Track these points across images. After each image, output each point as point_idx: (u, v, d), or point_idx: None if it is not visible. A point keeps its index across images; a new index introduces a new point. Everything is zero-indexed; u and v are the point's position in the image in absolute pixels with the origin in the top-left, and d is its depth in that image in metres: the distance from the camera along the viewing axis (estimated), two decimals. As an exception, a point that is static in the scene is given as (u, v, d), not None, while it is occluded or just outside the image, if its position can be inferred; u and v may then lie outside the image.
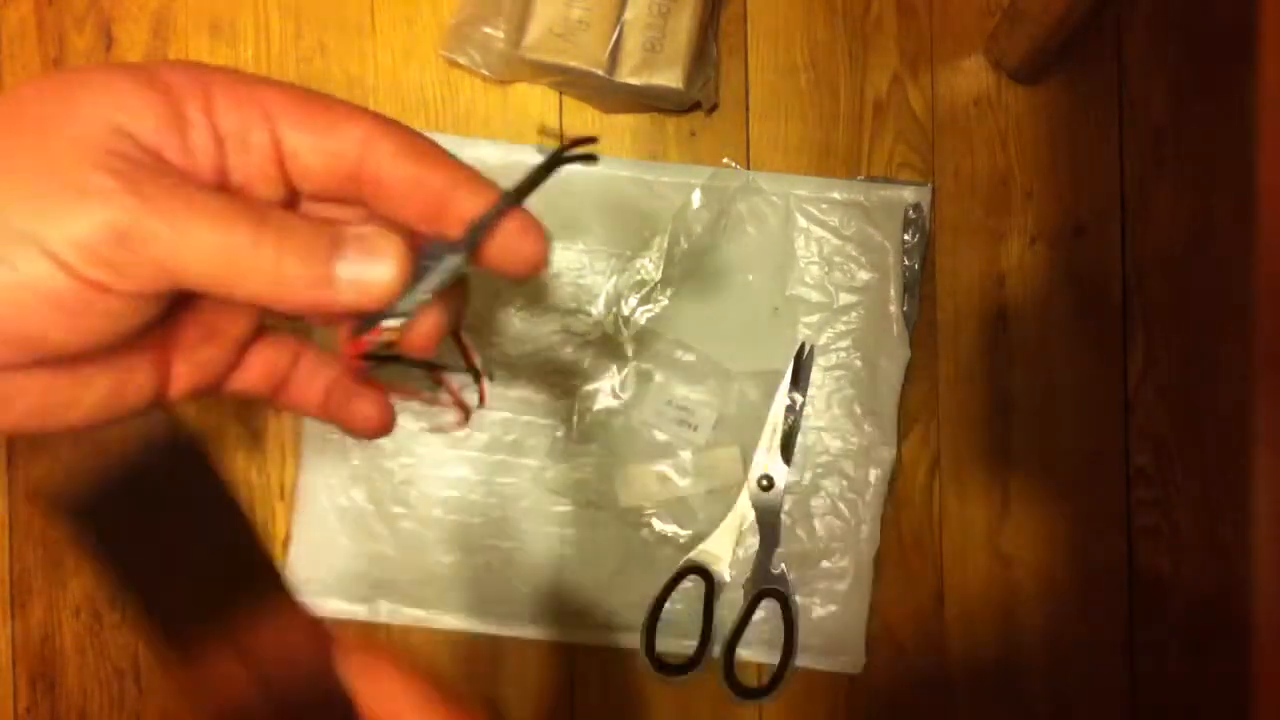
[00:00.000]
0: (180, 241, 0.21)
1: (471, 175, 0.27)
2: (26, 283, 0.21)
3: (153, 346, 0.26)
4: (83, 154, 0.21)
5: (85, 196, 0.21)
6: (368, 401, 0.28)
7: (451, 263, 0.25)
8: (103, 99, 0.22)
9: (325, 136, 0.24)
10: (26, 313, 0.21)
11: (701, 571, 0.60)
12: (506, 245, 0.26)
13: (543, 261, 0.27)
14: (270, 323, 0.28)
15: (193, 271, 0.22)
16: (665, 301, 0.61)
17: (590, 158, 0.26)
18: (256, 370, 0.28)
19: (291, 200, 0.25)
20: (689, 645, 0.60)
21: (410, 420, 0.61)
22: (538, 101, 0.63)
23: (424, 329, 0.26)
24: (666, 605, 0.60)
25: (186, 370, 0.27)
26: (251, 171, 0.24)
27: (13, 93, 0.23)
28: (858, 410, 0.61)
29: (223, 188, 0.24)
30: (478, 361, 0.28)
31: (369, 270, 0.24)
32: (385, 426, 0.28)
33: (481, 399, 0.29)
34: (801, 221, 0.62)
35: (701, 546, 0.60)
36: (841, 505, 0.61)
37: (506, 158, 0.61)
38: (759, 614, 0.60)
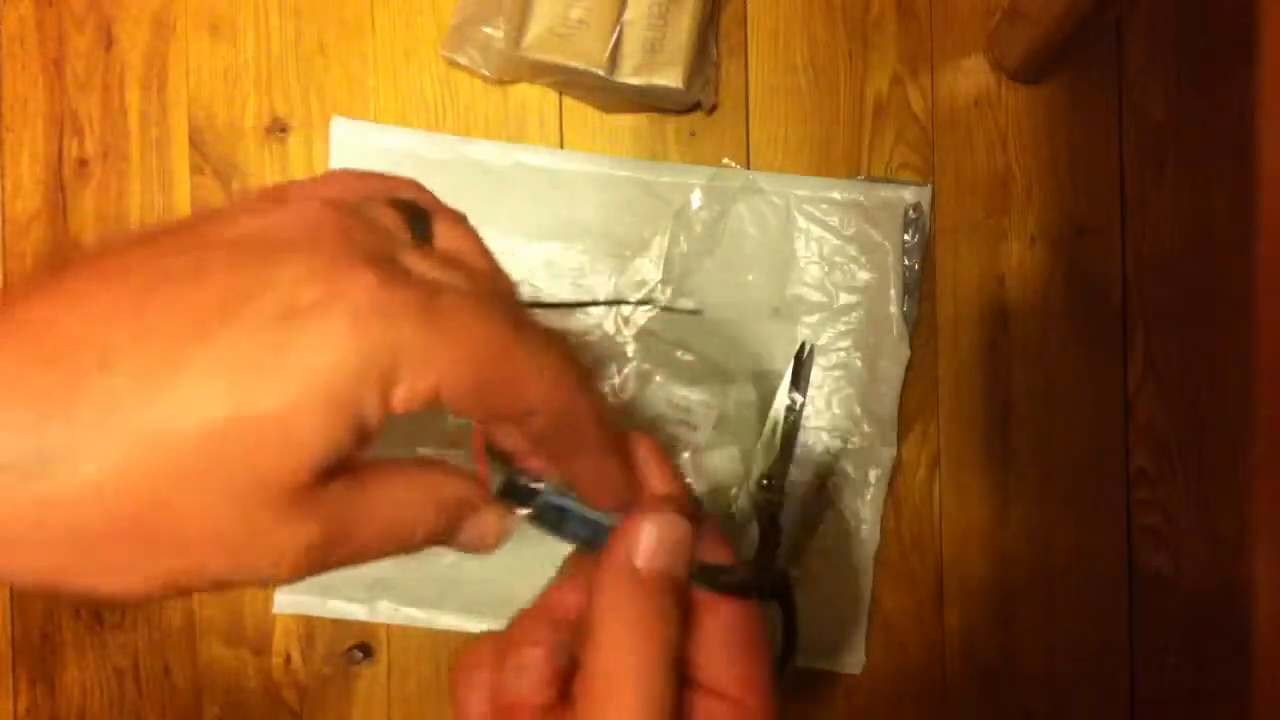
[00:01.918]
0: (359, 537, 0.22)
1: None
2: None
3: None
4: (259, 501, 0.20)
5: (278, 538, 0.20)
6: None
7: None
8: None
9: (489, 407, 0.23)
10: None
11: (701, 571, 0.60)
12: None
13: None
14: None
15: (370, 554, 0.23)
16: (665, 301, 0.61)
17: None
18: None
19: None
20: (689, 645, 0.60)
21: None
22: (538, 101, 0.63)
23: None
24: (666, 605, 0.60)
25: None
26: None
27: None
28: (858, 410, 0.61)
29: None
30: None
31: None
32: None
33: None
34: (801, 221, 0.62)
35: (701, 546, 0.60)
36: (841, 505, 0.61)
37: (507, 158, 0.61)
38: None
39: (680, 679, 0.24)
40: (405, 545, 0.24)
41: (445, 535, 0.25)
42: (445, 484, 0.24)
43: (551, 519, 0.28)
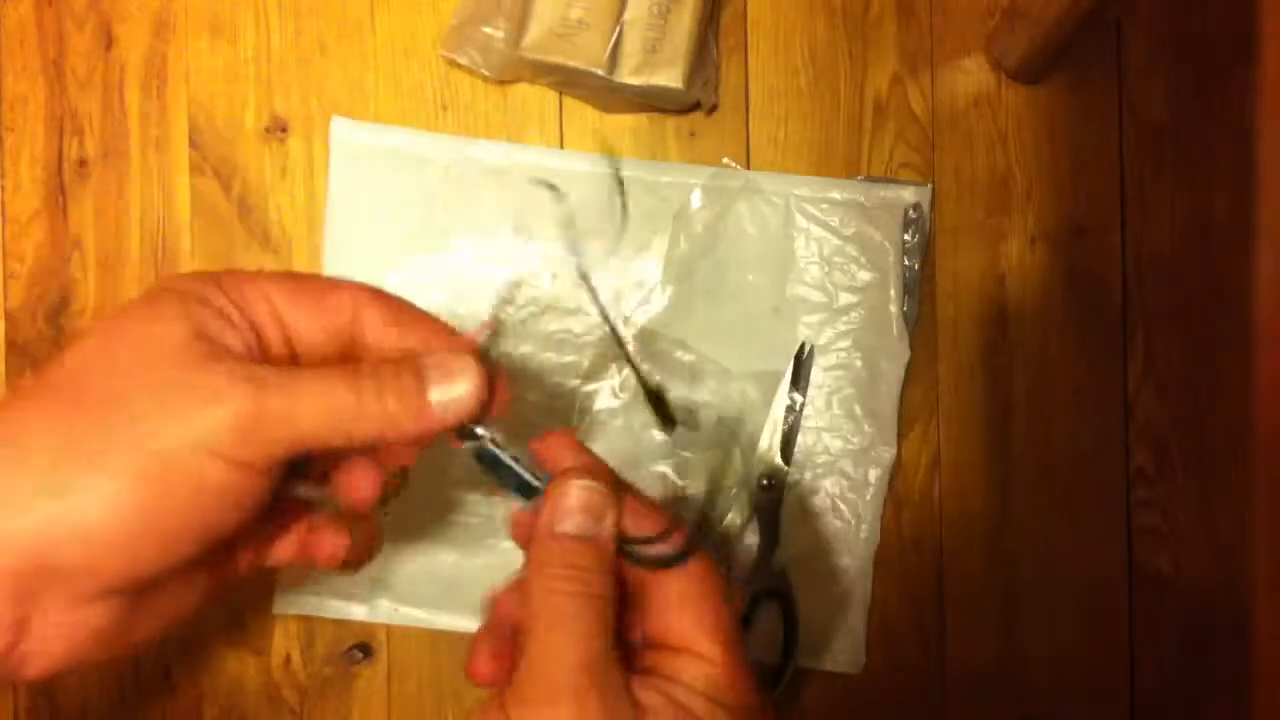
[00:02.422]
0: (297, 413, 0.26)
1: (447, 333, 0.31)
2: (191, 473, 0.25)
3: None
4: (187, 364, 0.25)
5: (217, 397, 0.25)
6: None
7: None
8: (167, 320, 0.26)
9: (320, 313, 0.29)
10: (196, 502, 0.25)
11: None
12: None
13: (506, 408, 0.32)
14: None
15: (311, 435, 0.26)
16: (665, 301, 0.61)
17: None
18: (290, 543, 0.33)
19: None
20: (689, 645, 0.60)
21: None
22: (538, 101, 0.63)
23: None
24: (666, 605, 0.60)
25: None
26: (272, 350, 0.28)
27: (71, 349, 0.26)
28: (858, 410, 0.61)
29: (264, 347, 0.28)
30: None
31: (454, 390, 0.28)
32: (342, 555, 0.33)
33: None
34: (801, 221, 0.62)
35: (701, 546, 0.60)
36: (841, 505, 0.61)
37: (507, 158, 0.61)
38: (759, 614, 0.60)
39: (612, 631, 0.27)
40: (342, 435, 0.27)
41: (378, 440, 0.28)
42: (390, 396, 0.27)
43: (489, 462, 0.32)
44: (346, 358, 0.30)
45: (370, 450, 0.31)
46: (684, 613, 0.29)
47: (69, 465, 0.24)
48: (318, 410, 0.26)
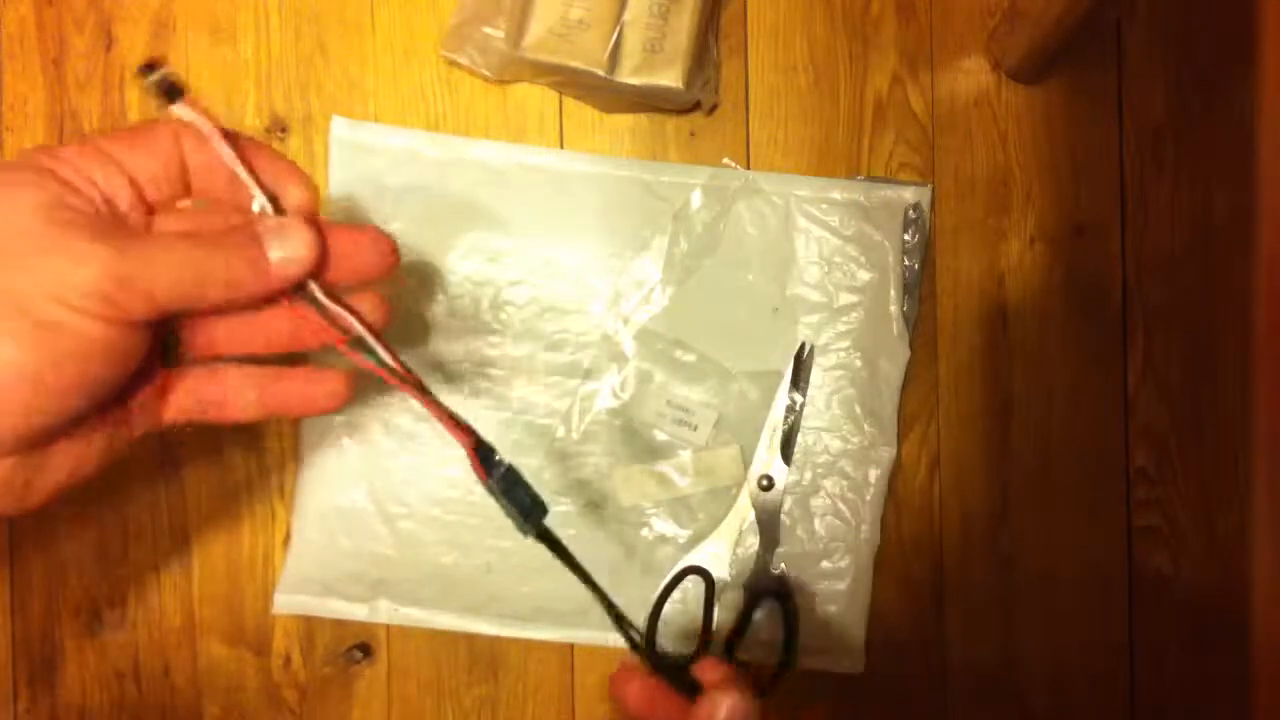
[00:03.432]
0: (154, 272, 0.28)
1: (268, 150, 0.34)
2: (70, 331, 0.27)
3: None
4: (50, 231, 0.27)
5: (83, 258, 0.27)
6: (319, 382, 0.37)
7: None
8: (17, 191, 0.28)
9: (151, 149, 0.31)
10: (77, 358, 0.27)
11: (701, 571, 0.60)
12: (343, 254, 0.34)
13: (386, 263, 0.35)
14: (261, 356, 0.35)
15: (169, 293, 0.28)
16: (665, 301, 0.61)
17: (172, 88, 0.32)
18: (182, 401, 0.35)
19: (149, 214, 0.32)
20: (689, 645, 0.60)
21: (410, 420, 0.61)
22: (538, 101, 0.63)
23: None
24: (666, 605, 0.60)
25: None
26: (124, 202, 0.30)
27: None
28: (858, 410, 0.61)
29: (118, 219, 0.31)
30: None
31: (290, 246, 0.31)
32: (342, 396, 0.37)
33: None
34: (801, 221, 0.62)
35: (701, 546, 0.60)
36: (841, 505, 0.61)
37: (507, 158, 0.61)
38: (759, 614, 0.60)
39: None
40: (196, 296, 0.29)
41: (225, 300, 0.30)
42: (234, 257, 0.30)
43: (506, 485, 0.38)
44: (189, 192, 0.33)
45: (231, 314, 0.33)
46: None
47: None
48: (171, 269, 0.28)
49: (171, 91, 0.31)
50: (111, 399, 0.30)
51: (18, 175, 0.28)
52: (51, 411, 0.27)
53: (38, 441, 0.28)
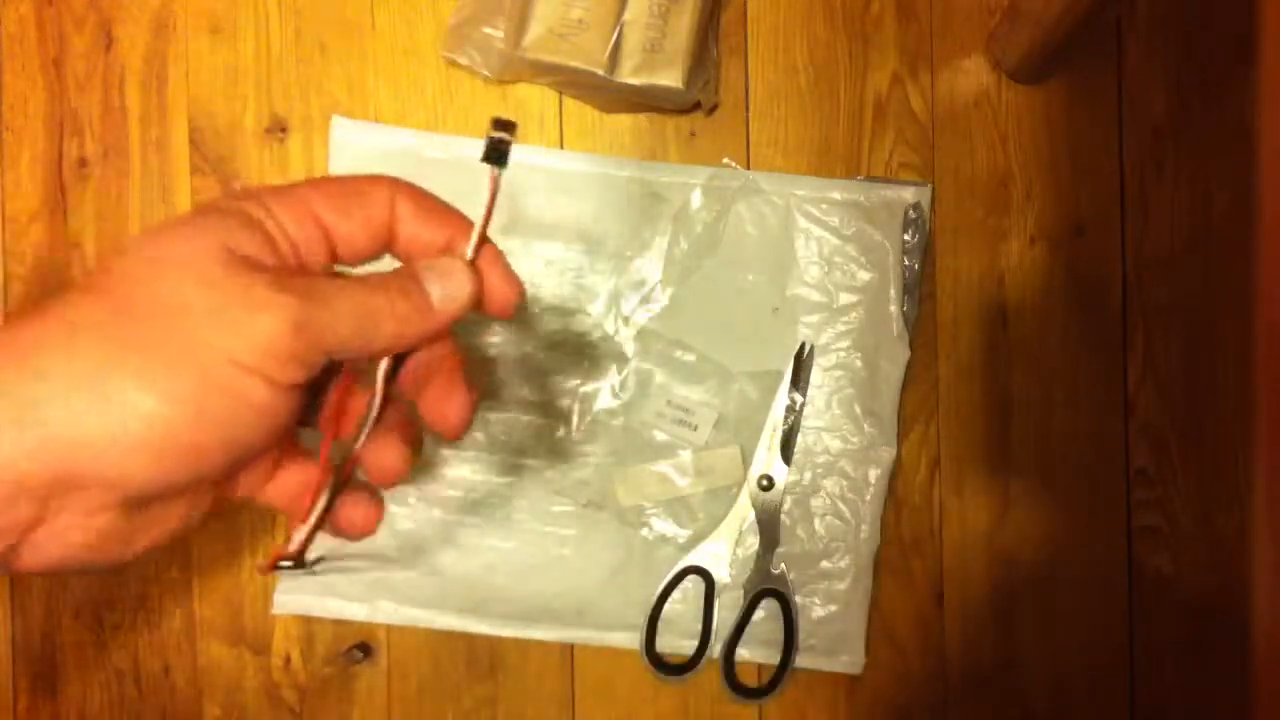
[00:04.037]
0: (334, 320, 0.27)
1: (465, 223, 0.33)
2: (232, 393, 0.25)
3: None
4: (232, 277, 0.26)
5: (266, 306, 0.26)
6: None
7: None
8: (210, 234, 0.27)
9: (361, 212, 0.30)
10: (232, 422, 0.26)
11: (701, 571, 0.60)
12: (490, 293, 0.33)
13: (515, 303, 0.34)
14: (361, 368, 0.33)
15: (345, 341, 0.27)
16: (665, 301, 0.61)
17: (501, 154, 0.34)
18: (284, 484, 0.33)
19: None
20: (689, 645, 0.60)
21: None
22: (538, 101, 0.63)
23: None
24: (666, 605, 0.60)
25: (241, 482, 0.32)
26: (313, 257, 0.29)
27: (117, 259, 0.27)
28: (858, 410, 0.61)
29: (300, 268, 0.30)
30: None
31: (452, 285, 0.30)
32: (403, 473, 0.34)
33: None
34: (801, 221, 0.62)
35: (701, 546, 0.60)
36: (841, 505, 0.61)
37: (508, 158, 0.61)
38: (759, 614, 0.60)
39: None
40: (365, 340, 0.28)
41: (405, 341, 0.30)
42: (399, 299, 0.29)
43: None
44: (378, 254, 0.32)
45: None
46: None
47: (115, 375, 0.24)
48: (348, 314, 0.27)
49: (500, 160, 0.32)
50: (245, 465, 0.29)
51: (204, 219, 0.27)
52: (186, 471, 0.25)
53: (157, 498, 0.26)
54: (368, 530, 0.32)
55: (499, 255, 0.33)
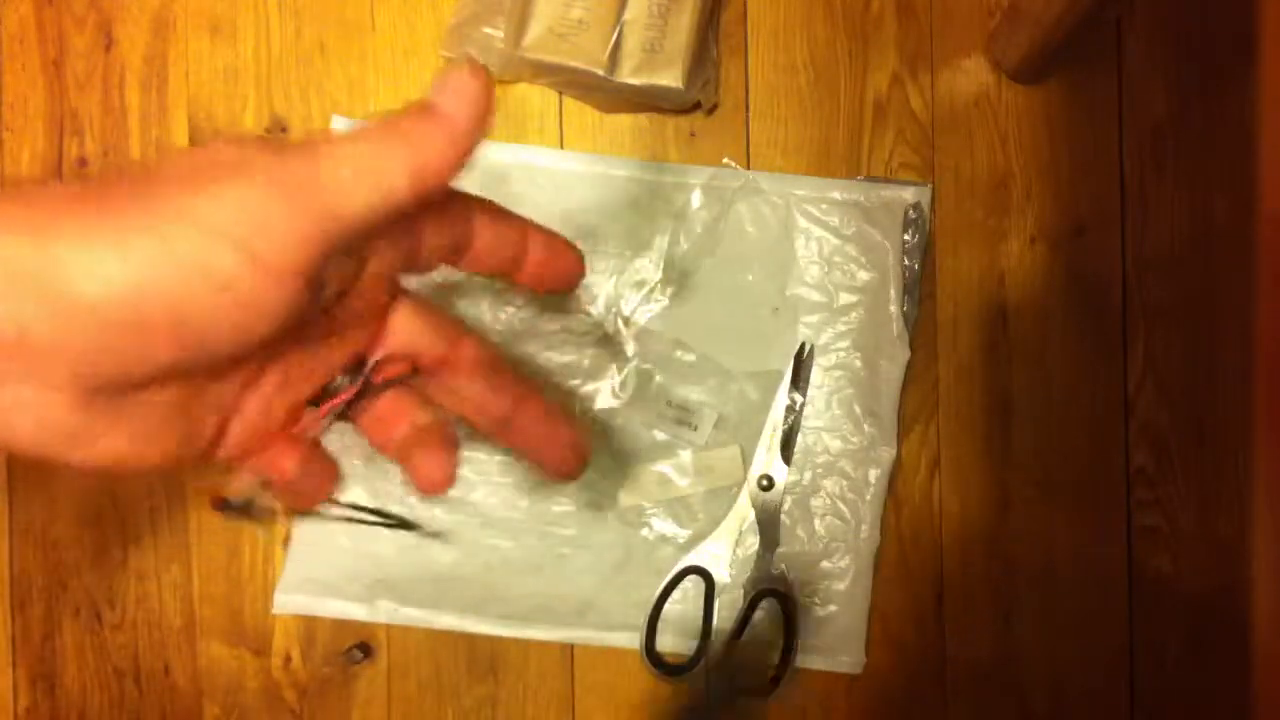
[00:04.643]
0: (339, 173, 0.23)
1: (536, 227, 0.32)
2: (213, 266, 0.21)
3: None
4: (215, 163, 0.22)
5: (247, 166, 0.22)
6: (436, 458, 0.30)
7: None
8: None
9: (450, 227, 0.29)
10: (190, 297, 0.21)
11: (701, 572, 0.60)
12: (544, 264, 0.31)
13: (578, 274, 0.32)
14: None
15: (354, 202, 0.23)
16: (665, 301, 0.61)
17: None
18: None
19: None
20: (689, 645, 0.60)
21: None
22: (538, 101, 0.63)
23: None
24: (666, 605, 0.60)
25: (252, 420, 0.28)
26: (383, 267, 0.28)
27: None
28: (858, 410, 0.61)
29: None
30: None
31: (460, 85, 0.26)
32: (445, 484, 0.30)
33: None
34: (801, 221, 0.62)
35: (701, 546, 0.60)
36: (841, 505, 0.61)
37: (507, 158, 0.61)
38: (759, 614, 0.60)
39: None
40: (382, 193, 0.24)
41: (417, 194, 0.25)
42: (413, 123, 0.26)
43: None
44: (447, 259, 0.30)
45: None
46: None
47: (66, 230, 0.21)
48: (354, 161, 0.23)
49: None
50: (206, 367, 0.24)
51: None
52: (131, 351, 0.22)
53: (110, 389, 0.22)
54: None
55: (554, 234, 0.31)
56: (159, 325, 0.21)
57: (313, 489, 0.30)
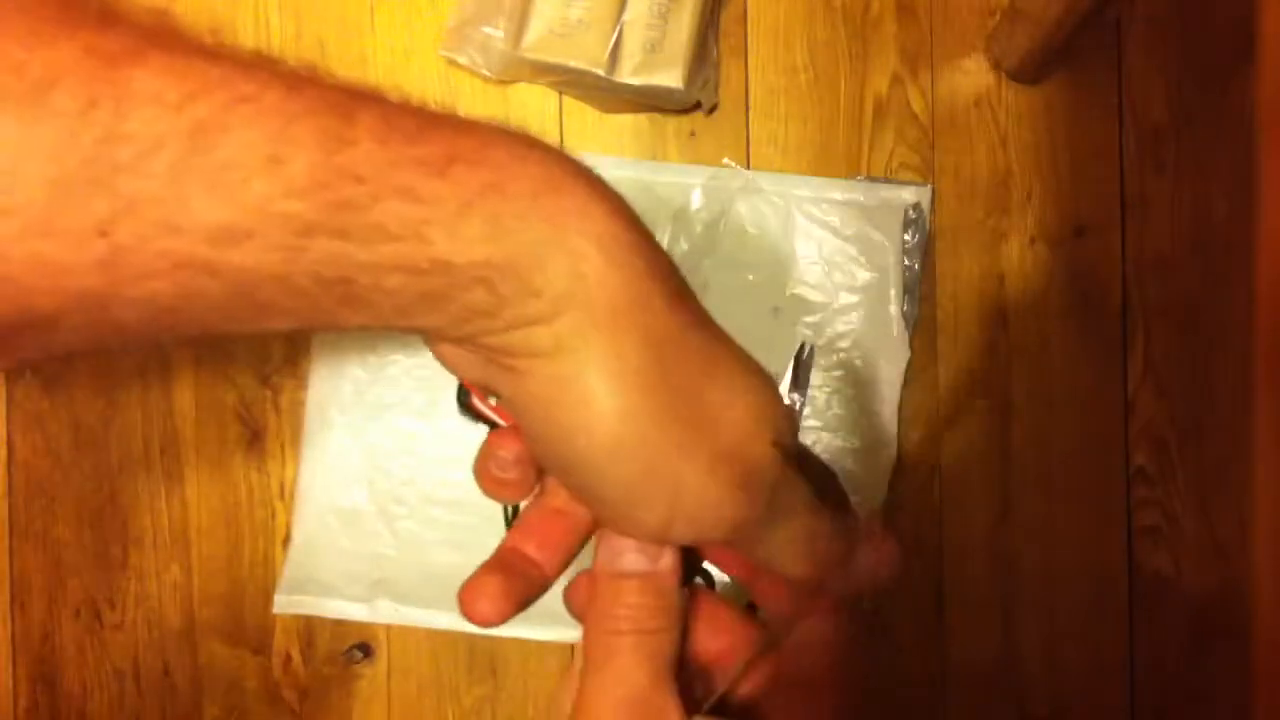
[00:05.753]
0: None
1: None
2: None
3: None
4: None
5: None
6: None
7: None
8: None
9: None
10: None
11: (702, 572, 0.60)
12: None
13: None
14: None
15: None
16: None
17: None
18: None
19: None
20: (689, 645, 0.60)
21: (410, 421, 0.61)
22: (538, 101, 0.63)
23: None
24: (666, 605, 0.60)
25: None
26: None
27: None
28: (858, 410, 0.61)
29: None
30: None
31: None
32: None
33: None
34: (802, 221, 0.62)
35: (701, 546, 0.60)
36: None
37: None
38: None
39: (667, 661, 0.26)
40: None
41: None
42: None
43: None
44: None
45: None
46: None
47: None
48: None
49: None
50: None
51: None
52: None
53: None
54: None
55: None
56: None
57: None
